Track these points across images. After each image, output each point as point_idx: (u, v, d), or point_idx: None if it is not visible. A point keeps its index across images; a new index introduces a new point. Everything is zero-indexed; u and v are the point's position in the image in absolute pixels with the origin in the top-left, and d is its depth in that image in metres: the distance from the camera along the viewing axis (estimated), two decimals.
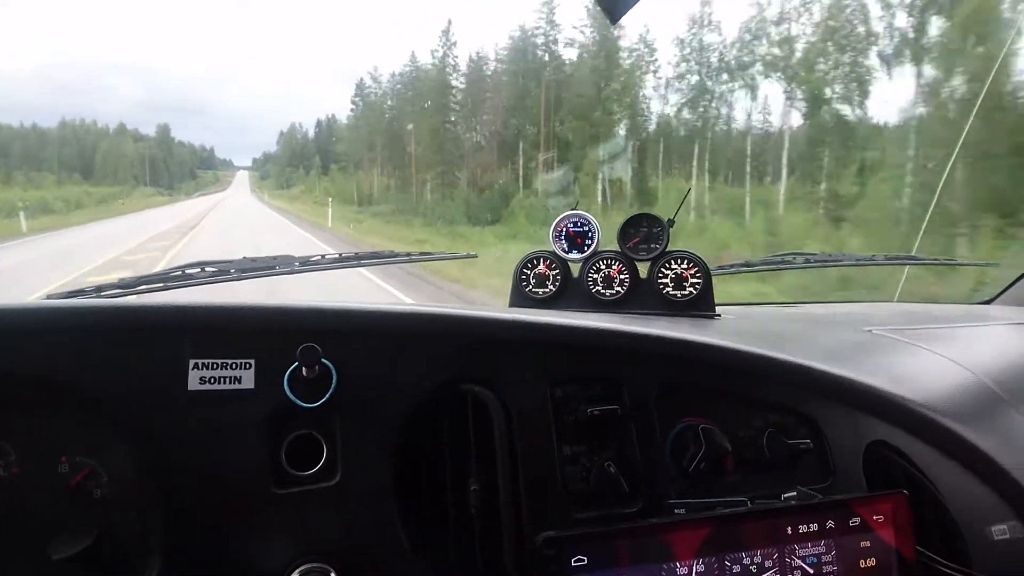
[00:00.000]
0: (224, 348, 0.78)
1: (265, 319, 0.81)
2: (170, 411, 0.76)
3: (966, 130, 1.74)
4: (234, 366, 0.77)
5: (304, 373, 0.77)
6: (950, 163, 1.75)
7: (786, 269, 1.61)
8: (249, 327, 0.81)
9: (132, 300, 0.99)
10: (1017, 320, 1.44)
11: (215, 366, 0.77)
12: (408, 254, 1.48)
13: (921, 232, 1.79)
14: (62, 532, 0.76)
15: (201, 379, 0.76)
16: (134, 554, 0.77)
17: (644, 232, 1.33)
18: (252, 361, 0.78)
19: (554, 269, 1.35)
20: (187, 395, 0.76)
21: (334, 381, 0.79)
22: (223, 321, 0.80)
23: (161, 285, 1.23)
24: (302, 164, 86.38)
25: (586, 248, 1.35)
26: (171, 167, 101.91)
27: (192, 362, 0.76)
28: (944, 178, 1.69)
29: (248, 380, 0.78)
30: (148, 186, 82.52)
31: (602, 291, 1.32)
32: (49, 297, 1.08)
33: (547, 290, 1.34)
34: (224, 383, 0.77)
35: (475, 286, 8.62)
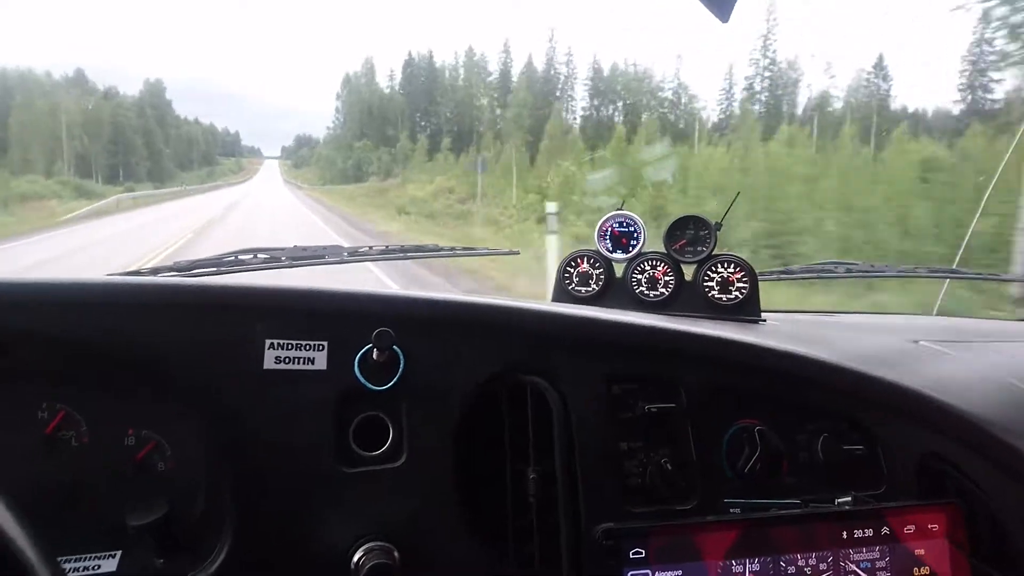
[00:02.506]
0: (299, 330, 0.80)
1: (338, 304, 0.83)
2: (245, 388, 0.78)
3: (1017, 138, 1.72)
4: (308, 347, 0.79)
5: (375, 357, 0.79)
6: (997, 173, 1.72)
7: (827, 277, 1.60)
8: (323, 310, 0.83)
9: (209, 280, 1.01)
10: None
11: (290, 347, 0.79)
12: (452, 249, 1.50)
13: (964, 244, 1.77)
14: (133, 503, 0.78)
15: (276, 358, 0.78)
16: (205, 529, 0.79)
17: (691, 234, 1.33)
18: (325, 343, 0.80)
19: (598, 268, 1.35)
20: (262, 373, 0.78)
21: (402, 365, 0.80)
22: (299, 304, 0.82)
23: (214, 269, 1.25)
24: (380, 136, 56.42)
25: (631, 248, 1.35)
26: (172, 148, 71.77)
27: (268, 342, 0.78)
28: (991, 189, 1.66)
29: (321, 361, 0.80)
30: (121, 181, 47.40)
31: (646, 292, 1.32)
32: (109, 275, 1.11)
33: (590, 289, 1.35)
34: (298, 363, 0.79)
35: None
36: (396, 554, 0.77)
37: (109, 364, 0.81)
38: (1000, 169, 1.77)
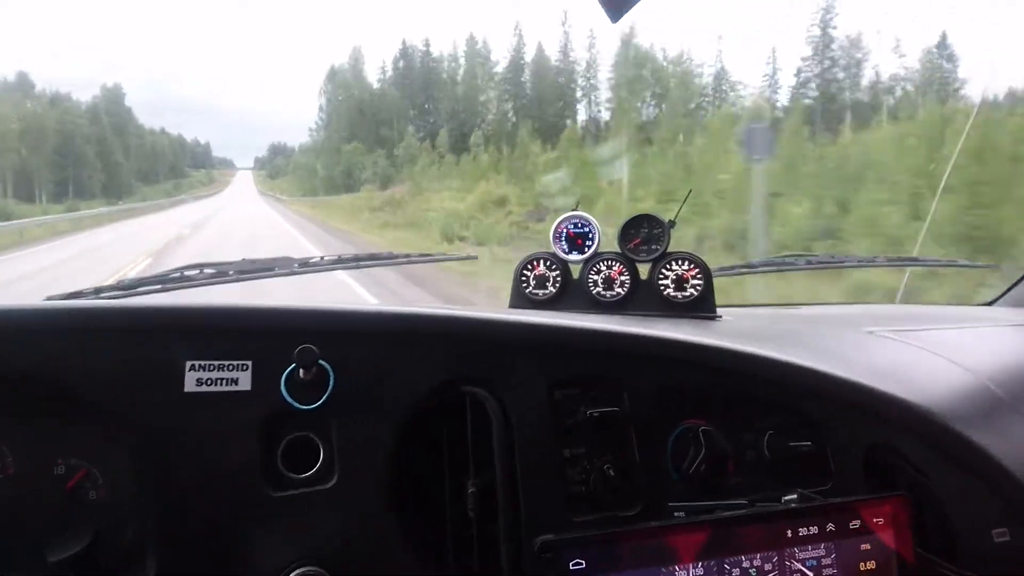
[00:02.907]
0: (221, 349, 0.77)
1: (262, 320, 0.81)
2: (166, 413, 0.76)
3: (967, 130, 1.73)
4: (231, 367, 0.77)
5: (301, 375, 0.77)
6: (950, 164, 1.73)
7: (788, 270, 1.61)
8: (246, 328, 0.80)
9: (129, 301, 0.99)
10: (1018, 322, 1.44)
11: (212, 367, 0.77)
12: (407, 255, 1.48)
13: (922, 233, 1.78)
14: (58, 534, 0.76)
15: (198, 380, 0.76)
16: (130, 557, 0.77)
17: (645, 233, 1.33)
18: (249, 363, 0.78)
19: (554, 270, 1.34)
20: (183, 396, 0.75)
21: (331, 383, 0.78)
22: (220, 322, 0.80)
23: (159, 287, 1.22)
24: (374, 137, 47.01)
25: (587, 249, 1.34)
26: (134, 160, 61.85)
27: (189, 363, 0.76)
28: (945, 178, 1.67)
29: (245, 382, 0.77)
30: (71, 198, 38.46)
31: (603, 292, 1.31)
32: (48, 298, 1.08)
33: (547, 291, 1.34)
34: (221, 384, 0.77)
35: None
36: None
37: (32, 391, 0.78)
38: (956, 153, 1.77)
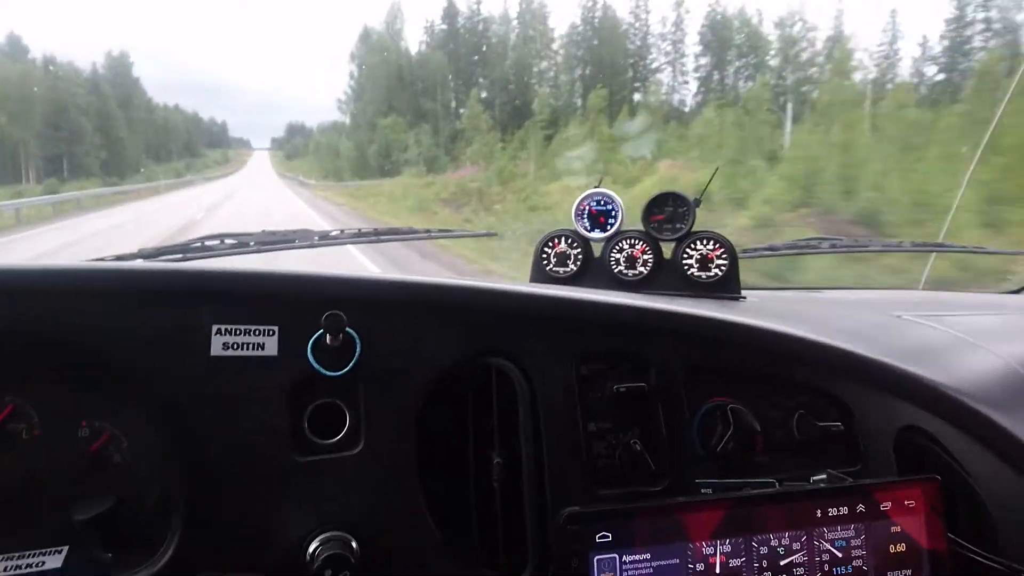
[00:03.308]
0: (247, 315, 0.77)
1: (289, 287, 0.80)
2: (192, 376, 0.75)
3: (1000, 112, 1.68)
4: (257, 332, 0.76)
5: (328, 341, 0.76)
6: (980, 149, 1.69)
7: (811, 253, 1.58)
8: (273, 294, 0.80)
9: (154, 265, 0.98)
10: None
11: (239, 332, 0.76)
12: (428, 231, 1.47)
13: (948, 219, 1.75)
14: (83, 495, 0.76)
15: (224, 345, 0.75)
16: (154, 520, 0.77)
17: (669, 212, 1.30)
18: (276, 328, 0.77)
19: (575, 248, 1.32)
20: (209, 360, 0.75)
21: (358, 350, 0.78)
22: (246, 288, 0.79)
23: (180, 256, 1.22)
24: (414, 110, 39.29)
25: (609, 227, 1.32)
26: (143, 135, 54.29)
27: (215, 327, 0.75)
28: (975, 164, 1.61)
29: (271, 347, 0.77)
30: (65, 178, 33.93)
31: (625, 271, 1.30)
32: None
33: (568, 269, 1.32)
34: (247, 349, 0.76)
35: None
36: (354, 544, 0.74)
37: (58, 354, 0.78)
38: (984, 141, 1.73)
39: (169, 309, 0.76)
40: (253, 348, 0.76)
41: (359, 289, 0.83)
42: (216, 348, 0.75)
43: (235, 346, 0.76)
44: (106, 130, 45.03)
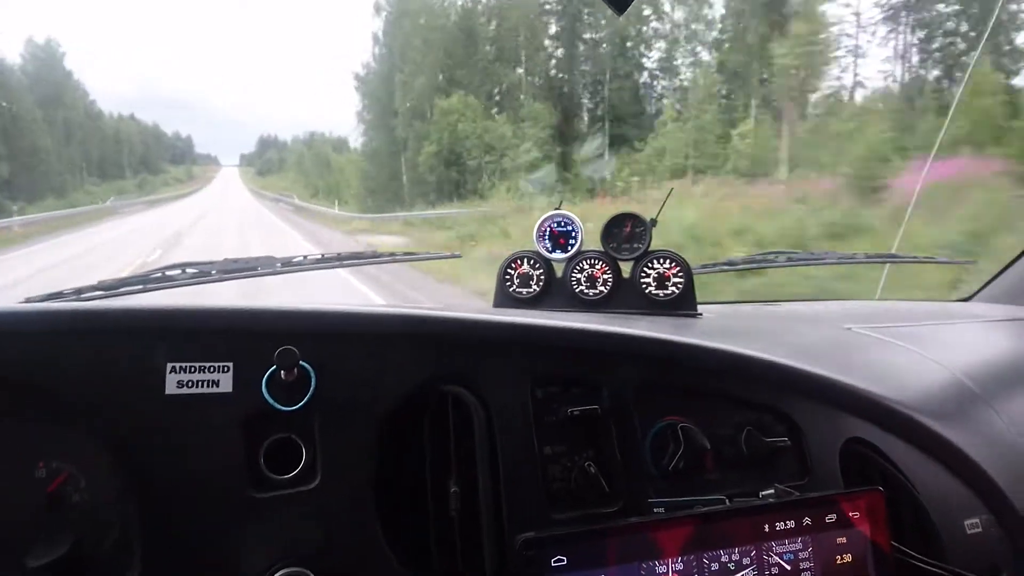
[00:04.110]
0: (202, 351, 0.77)
1: (243, 321, 0.81)
2: (147, 415, 0.75)
3: (949, 117, 1.75)
4: (212, 369, 0.77)
5: (283, 376, 0.77)
6: (932, 154, 1.75)
7: (768, 267, 1.62)
8: (226, 330, 0.80)
9: (110, 303, 0.98)
10: (994, 317, 1.46)
11: (192, 369, 0.76)
12: (392, 254, 1.48)
13: (901, 229, 1.81)
14: (39, 538, 0.75)
15: (179, 383, 0.76)
16: (112, 561, 0.77)
17: (627, 232, 1.34)
18: (230, 364, 0.78)
19: (538, 269, 1.35)
20: (164, 399, 0.75)
21: (313, 384, 0.79)
22: (200, 324, 0.80)
23: (141, 287, 1.22)
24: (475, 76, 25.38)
25: (570, 248, 1.35)
26: (84, 148, 43.27)
27: (169, 365, 0.76)
28: (927, 170, 1.67)
29: (226, 383, 0.77)
30: None
31: (586, 291, 1.32)
32: (27, 300, 1.07)
33: (531, 290, 1.34)
34: (202, 386, 0.76)
35: None
36: None
37: (12, 393, 0.77)
38: (939, 140, 1.79)
39: (124, 347, 0.77)
40: (208, 385, 0.77)
41: (313, 322, 0.84)
42: (171, 386, 0.76)
43: (190, 383, 0.76)
44: (12, 136, 32.73)
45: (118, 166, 54.31)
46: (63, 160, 38.87)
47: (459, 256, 1.75)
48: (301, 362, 0.77)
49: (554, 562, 0.76)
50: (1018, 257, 1.59)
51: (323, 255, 1.41)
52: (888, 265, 1.82)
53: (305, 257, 1.38)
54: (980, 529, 0.92)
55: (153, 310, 0.80)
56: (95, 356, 0.76)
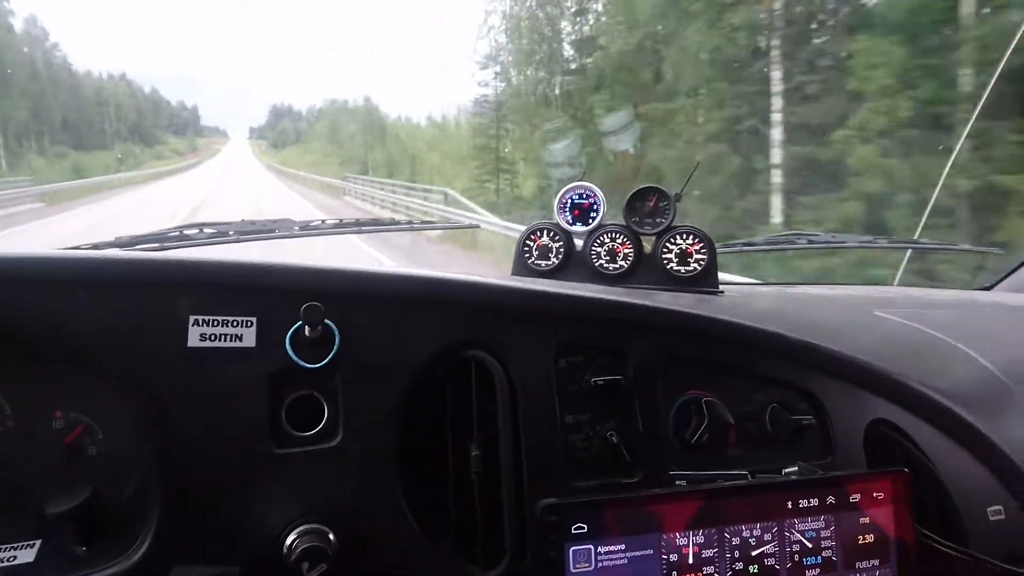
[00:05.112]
0: (225, 305, 0.76)
1: (268, 278, 0.80)
2: (168, 367, 0.75)
3: (978, 108, 1.71)
4: (235, 324, 0.76)
5: (307, 333, 0.76)
6: (958, 145, 1.72)
7: (789, 249, 1.60)
8: (251, 285, 0.79)
9: (133, 253, 0.97)
10: (1018, 306, 1.44)
11: (216, 323, 0.75)
12: (410, 222, 1.47)
13: (925, 216, 1.78)
14: (57, 488, 0.75)
15: (201, 336, 0.75)
16: (130, 513, 0.76)
17: (650, 206, 1.31)
18: (254, 319, 0.77)
19: (557, 241, 1.33)
20: (186, 352, 0.75)
21: (337, 342, 0.78)
22: (225, 278, 0.79)
23: (158, 245, 1.21)
24: None
25: (591, 220, 1.33)
26: (24, 102, 31.47)
27: (192, 318, 0.75)
28: (952, 159, 1.63)
29: (249, 338, 0.76)
30: None
31: (606, 265, 1.31)
32: None
33: (550, 262, 1.33)
34: (225, 340, 0.76)
35: None
36: (331, 537, 0.74)
37: (31, 345, 0.77)
38: (964, 135, 1.76)
39: (146, 299, 0.76)
40: (231, 339, 0.76)
41: (339, 281, 0.83)
42: (193, 339, 0.75)
43: (212, 337, 0.75)
44: None
45: (99, 133, 44.93)
46: (23, 124, 32.00)
47: (478, 226, 1.73)
48: (326, 320, 0.76)
49: (574, 529, 0.76)
50: None
51: (341, 220, 1.39)
52: (909, 251, 1.80)
53: (323, 221, 1.37)
54: (1003, 516, 0.91)
55: (177, 261, 0.79)
56: (116, 307, 0.75)
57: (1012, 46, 1.55)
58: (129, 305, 0.75)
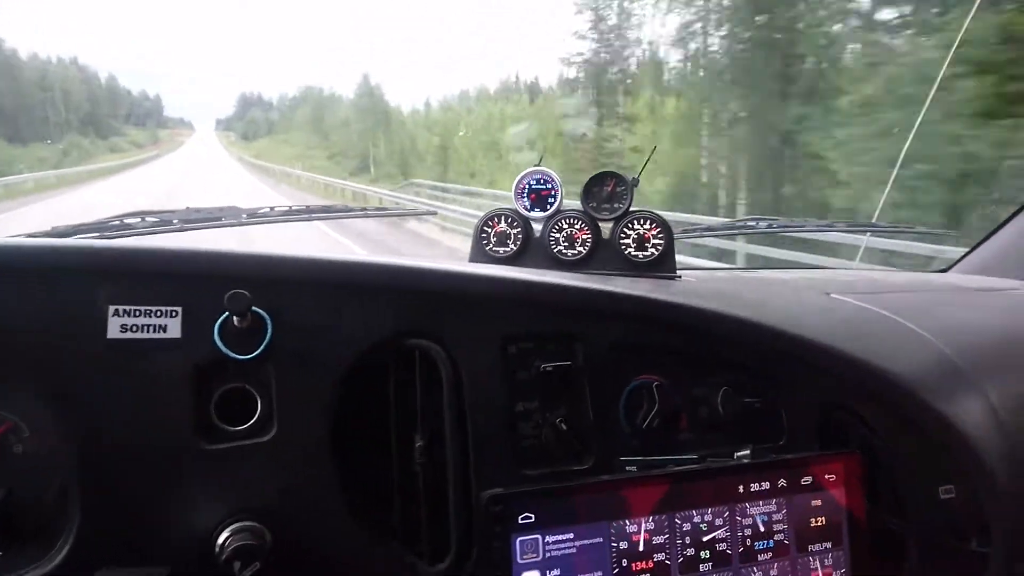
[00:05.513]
0: (148, 294, 0.72)
1: (193, 265, 0.76)
2: (87, 360, 0.70)
3: (933, 90, 1.72)
4: (159, 313, 0.72)
5: (236, 323, 0.72)
6: (915, 127, 1.73)
7: (748, 233, 1.60)
8: (176, 272, 0.75)
9: (46, 242, 0.92)
10: (972, 288, 1.46)
11: (137, 313, 0.71)
12: (363, 209, 1.43)
13: (883, 199, 1.79)
14: None
15: (122, 327, 0.71)
16: (51, 514, 0.72)
17: (608, 191, 1.29)
18: (179, 309, 0.72)
19: (515, 227, 1.30)
20: (106, 343, 0.70)
21: (269, 332, 0.74)
22: (146, 265, 0.74)
23: (97, 235, 1.15)
24: None
25: (549, 206, 1.31)
26: None
27: (112, 308, 0.71)
28: (908, 143, 1.64)
29: (174, 329, 0.72)
30: None
31: (564, 251, 1.28)
32: None
33: (508, 249, 1.30)
34: (148, 331, 0.71)
35: None
36: (267, 534, 0.71)
37: None
38: (922, 113, 1.76)
39: (60, 288, 0.71)
40: (154, 330, 0.72)
41: (269, 267, 0.79)
42: (113, 330, 0.70)
43: (134, 328, 0.71)
44: None
45: (42, 122, 39.95)
46: None
47: (435, 213, 1.70)
48: (256, 309, 0.72)
49: (521, 519, 0.74)
50: (995, 230, 1.58)
51: (291, 207, 1.35)
52: (868, 234, 1.81)
53: (272, 208, 1.32)
54: (953, 495, 0.91)
55: (93, 248, 0.74)
56: (30, 297, 0.70)
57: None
58: (44, 295, 0.71)
